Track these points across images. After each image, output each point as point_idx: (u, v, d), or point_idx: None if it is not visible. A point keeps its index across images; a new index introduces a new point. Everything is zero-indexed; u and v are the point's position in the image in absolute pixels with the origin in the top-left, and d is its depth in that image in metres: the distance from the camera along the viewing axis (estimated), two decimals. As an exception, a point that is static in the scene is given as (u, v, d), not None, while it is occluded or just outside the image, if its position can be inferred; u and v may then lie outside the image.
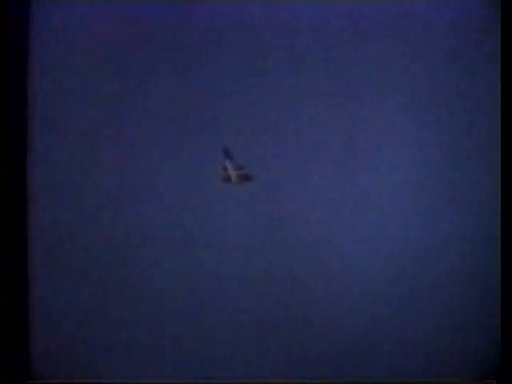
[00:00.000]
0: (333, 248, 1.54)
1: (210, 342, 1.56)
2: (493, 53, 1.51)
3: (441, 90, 1.54)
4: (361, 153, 1.54)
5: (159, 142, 1.55)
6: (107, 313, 1.56)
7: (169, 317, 1.56)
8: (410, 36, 1.53)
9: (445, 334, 1.54)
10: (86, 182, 1.55)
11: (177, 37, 1.55)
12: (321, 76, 1.54)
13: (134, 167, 1.55)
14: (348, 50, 1.54)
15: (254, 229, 1.55)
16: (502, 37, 1.47)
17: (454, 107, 1.54)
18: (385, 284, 1.54)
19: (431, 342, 1.54)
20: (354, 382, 1.53)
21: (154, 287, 1.55)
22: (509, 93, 1.45)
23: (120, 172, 1.55)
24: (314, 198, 1.54)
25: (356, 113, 1.54)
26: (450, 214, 1.53)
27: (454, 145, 1.53)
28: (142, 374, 1.56)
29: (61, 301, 1.55)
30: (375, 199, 1.54)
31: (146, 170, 1.55)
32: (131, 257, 1.55)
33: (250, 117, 1.54)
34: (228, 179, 1.50)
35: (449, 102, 1.53)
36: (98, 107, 1.55)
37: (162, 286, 1.56)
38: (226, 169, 1.50)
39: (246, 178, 1.51)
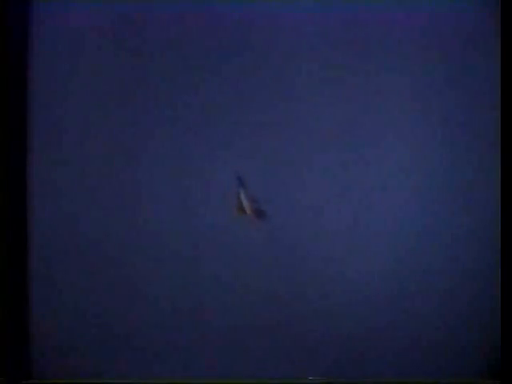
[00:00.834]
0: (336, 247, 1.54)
1: (212, 342, 1.56)
2: (493, 52, 1.51)
3: (440, 91, 1.54)
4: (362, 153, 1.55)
5: (159, 140, 1.56)
6: (107, 312, 1.56)
7: (171, 317, 1.56)
8: (410, 37, 1.54)
9: (445, 333, 1.53)
10: (87, 180, 1.55)
11: (177, 36, 1.55)
12: (321, 76, 1.55)
13: (134, 166, 1.56)
14: (348, 52, 1.55)
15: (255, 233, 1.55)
16: (502, 36, 1.47)
17: (454, 107, 1.54)
18: (384, 282, 1.54)
19: (432, 341, 1.53)
20: (354, 383, 1.53)
21: (155, 287, 1.55)
22: (509, 93, 1.45)
23: (120, 171, 1.55)
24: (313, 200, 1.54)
25: (358, 117, 1.54)
26: (450, 213, 1.53)
27: (454, 144, 1.53)
28: (142, 374, 1.56)
29: (61, 301, 1.56)
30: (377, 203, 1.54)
31: (146, 168, 1.55)
32: (132, 256, 1.55)
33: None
34: (242, 210, 1.51)
35: (449, 102, 1.53)
36: (98, 107, 1.55)
37: (163, 286, 1.55)
38: (240, 199, 1.50)
39: (259, 213, 1.52)
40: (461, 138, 1.53)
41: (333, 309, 1.54)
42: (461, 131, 1.53)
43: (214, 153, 1.55)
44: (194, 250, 1.55)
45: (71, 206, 1.56)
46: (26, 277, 1.54)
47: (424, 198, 1.53)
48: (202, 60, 1.55)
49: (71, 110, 1.56)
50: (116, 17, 1.55)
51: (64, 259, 1.55)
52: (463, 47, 1.53)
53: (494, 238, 1.50)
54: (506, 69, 1.46)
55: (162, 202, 1.55)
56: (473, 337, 1.52)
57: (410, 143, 1.54)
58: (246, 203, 1.50)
